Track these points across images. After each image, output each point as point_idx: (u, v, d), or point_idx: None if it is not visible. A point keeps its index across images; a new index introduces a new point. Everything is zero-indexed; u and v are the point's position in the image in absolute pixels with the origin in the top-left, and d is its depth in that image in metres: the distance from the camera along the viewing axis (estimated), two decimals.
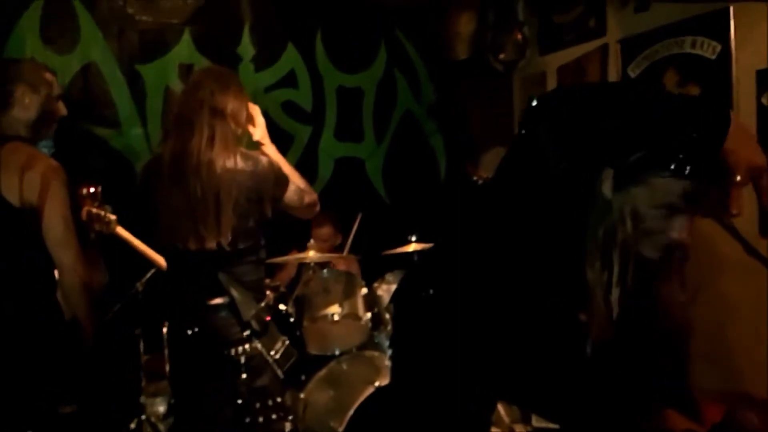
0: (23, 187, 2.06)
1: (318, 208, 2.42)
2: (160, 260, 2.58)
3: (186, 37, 3.97)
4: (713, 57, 3.36)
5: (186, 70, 3.95)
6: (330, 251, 3.84)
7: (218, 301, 2.25)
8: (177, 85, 3.92)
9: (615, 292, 1.30)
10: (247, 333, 2.25)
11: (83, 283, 2.14)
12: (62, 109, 2.31)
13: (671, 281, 1.35)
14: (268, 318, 2.29)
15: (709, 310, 3.60)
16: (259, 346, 2.26)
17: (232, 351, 2.25)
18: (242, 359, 2.25)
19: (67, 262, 2.10)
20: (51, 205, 2.08)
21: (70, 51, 3.70)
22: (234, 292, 2.22)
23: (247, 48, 4.17)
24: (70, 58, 3.69)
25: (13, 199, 2.06)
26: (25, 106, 2.18)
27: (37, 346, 2.10)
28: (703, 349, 3.12)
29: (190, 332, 2.26)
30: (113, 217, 2.58)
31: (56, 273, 2.17)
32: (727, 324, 3.51)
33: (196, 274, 2.25)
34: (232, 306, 2.24)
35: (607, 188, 1.28)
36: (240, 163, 2.24)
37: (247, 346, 2.26)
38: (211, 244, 2.18)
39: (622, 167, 1.25)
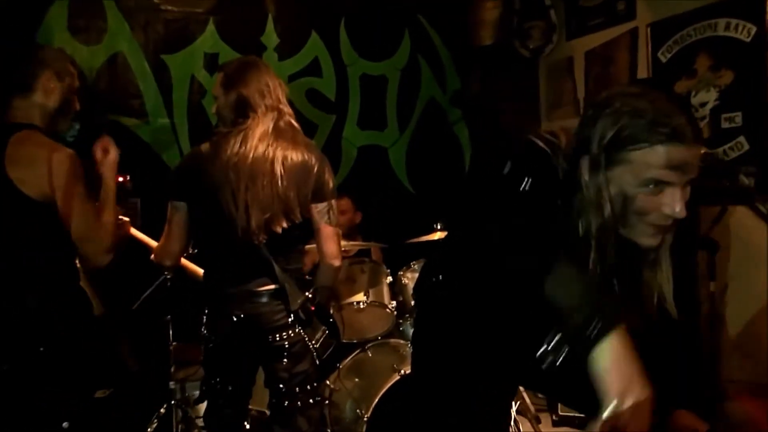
0: (42, 179, 1.99)
1: (339, 264, 2.42)
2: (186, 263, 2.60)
3: (210, 26, 3.99)
4: (748, 40, 3.28)
5: (210, 59, 3.97)
6: (348, 225, 3.86)
7: (263, 287, 2.26)
8: (202, 75, 3.95)
9: (595, 280, 1.27)
10: (290, 319, 2.27)
11: (103, 266, 2.10)
12: (77, 104, 2.25)
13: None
14: (313, 308, 2.30)
15: (742, 302, 3.57)
16: (300, 332, 2.29)
17: (277, 336, 2.27)
18: (285, 344, 2.28)
19: (90, 251, 2.07)
20: (74, 199, 2.03)
21: (97, 42, 3.74)
22: (285, 282, 2.25)
23: (271, 37, 4.17)
24: (97, 49, 3.73)
25: (30, 191, 2.00)
26: (49, 92, 2.12)
27: (65, 335, 2.08)
28: (735, 342, 3.09)
29: (235, 318, 2.28)
30: (127, 219, 2.59)
31: (77, 262, 2.16)
32: (761, 316, 3.48)
33: (244, 261, 2.26)
34: (276, 293, 2.26)
35: (585, 178, 1.26)
36: (309, 155, 2.29)
37: (290, 332, 2.28)
38: (283, 225, 2.22)
39: (596, 152, 1.23)
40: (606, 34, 4.12)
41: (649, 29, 3.80)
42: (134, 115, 3.83)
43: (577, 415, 3.41)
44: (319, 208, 2.31)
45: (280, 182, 2.21)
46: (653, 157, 1.21)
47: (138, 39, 3.83)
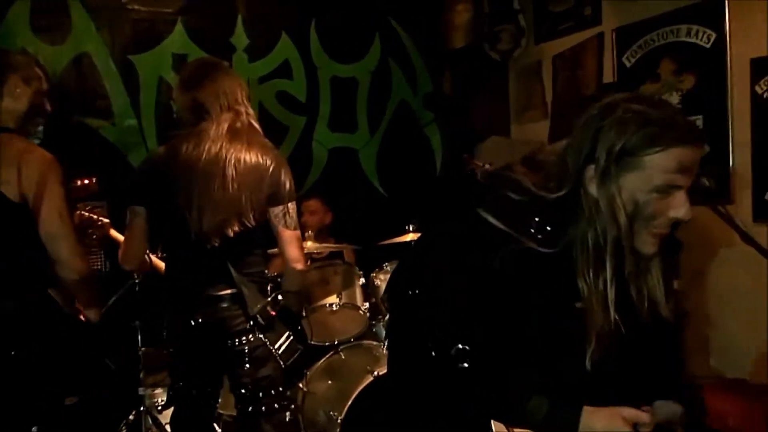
0: (21, 180, 2.02)
1: (303, 267, 2.39)
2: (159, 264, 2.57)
3: (179, 26, 3.95)
4: (708, 45, 3.37)
5: (179, 60, 3.93)
6: (318, 226, 3.86)
7: (223, 292, 2.24)
8: (170, 76, 3.91)
9: (611, 293, 1.28)
10: (250, 324, 2.25)
11: (81, 278, 2.12)
12: (48, 105, 2.28)
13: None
14: (274, 313, 2.28)
15: (706, 299, 3.64)
16: (262, 337, 2.26)
17: (236, 341, 2.25)
18: (246, 349, 2.25)
19: (63, 257, 2.08)
20: (47, 199, 2.05)
21: (62, 42, 3.67)
22: (243, 286, 2.22)
23: (240, 38, 4.15)
24: (61, 49, 3.66)
25: (10, 192, 2.02)
26: (16, 97, 2.15)
27: (36, 340, 2.07)
28: (699, 339, 3.16)
29: (193, 322, 2.25)
30: (107, 220, 2.56)
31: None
32: (723, 312, 3.56)
33: (203, 265, 2.24)
34: (236, 297, 2.24)
35: (593, 188, 1.26)
36: (264, 156, 2.25)
37: (251, 336, 2.26)
38: (236, 229, 2.19)
39: (605, 162, 1.23)
40: (573, 38, 4.19)
41: (614, 34, 3.88)
42: (101, 117, 3.77)
43: None
44: (275, 212, 2.28)
45: (231, 185, 2.17)
46: (667, 160, 1.22)
47: (104, 39, 3.78)
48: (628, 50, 3.78)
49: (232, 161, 2.19)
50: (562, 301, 1.33)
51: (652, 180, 1.23)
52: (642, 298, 1.34)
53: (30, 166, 2.04)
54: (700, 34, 3.41)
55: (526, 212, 1.29)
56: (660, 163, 1.22)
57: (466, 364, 1.27)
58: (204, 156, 2.19)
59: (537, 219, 1.28)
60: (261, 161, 2.24)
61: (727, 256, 3.24)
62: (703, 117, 3.42)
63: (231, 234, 2.19)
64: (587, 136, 1.27)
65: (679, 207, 1.25)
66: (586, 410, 1.26)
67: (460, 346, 1.27)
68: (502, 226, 1.29)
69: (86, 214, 2.59)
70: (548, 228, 1.28)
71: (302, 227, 3.71)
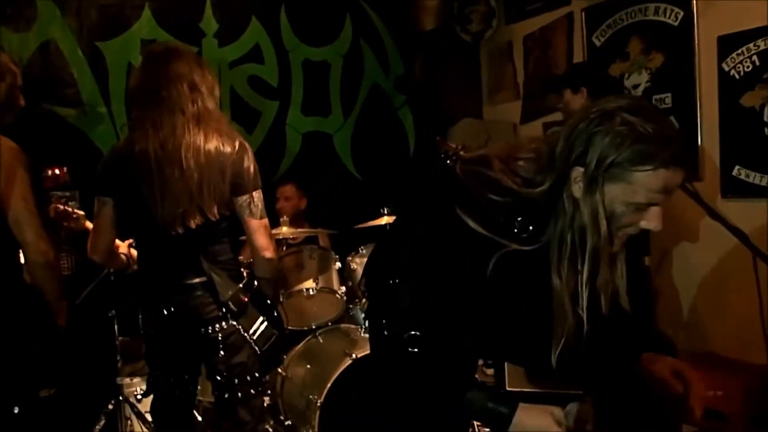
0: None
1: (272, 255, 2.34)
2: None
3: (147, 12, 3.89)
4: (676, 23, 3.41)
5: (147, 46, 3.87)
6: (293, 211, 3.84)
7: (194, 280, 2.23)
8: (139, 62, 3.84)
9: (584, 294, 1.32)
10: (223, 311, 2.25)
11: (47, 261, 2.11)
12: (22, 99, 2.25)
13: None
14: (246, 299, 2.28)
15: (675, 276, 3.72)
16: (235, 324, 2.26)
17: (209, 329, 2.25)
18: (219, 336, 2.25)
19: (29, 240, 2.07)
20: (12, 187, 2.05)
21: (27, 29, 3.60)
22: (213, 273, 2.21)
23: (210, 22, 4.10)
24: (27, 36, 3.60)
25: None
26: None
27: (9, 330, 2.06)
28: (670, 314, 3.23)
29: (166, 312, 2.25)
30: (81, 212, 2.54)
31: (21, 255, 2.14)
32: (692, 288, 3.65)
33: (174, 255, 2.23)
34: (208, 285, 2.23)
35: (577, 190, 1.28)
36: (225, 145, 2.19)
37: (223, 324, 2.25)
38: (197, 221, 2.16)
39: (594, 170, 1.25)
40: (543, 18, 4.21)
41: (583, 14, 3.90)
42: (69, 105, 3.71)
43: (524, 390, 3.50)
44: (239, 202, 2.23)
45: (190, 175, 2.13)
46: (655, 180, 1.23)
47: (71, 25, 3.71)
48: (597, 29, 3.81)
49: (191, 150, 2.14)
50: (535, 299, 1.36)
51: (635, 196, 1.25)
52: (606, 289, 1.37)
53: None
54: (668, 12, 3.45)
55: (509, 213, 1.31)
56: (647, 182, 1.23)
57: (416, 349, 1.31)
58: (161, 145, 2.15)
59: (519, 219, 1.30)
60: (222, 149, 2.18)
61: (696, 232, 3.30)
62: (671, 95, 3.47)
63: (192, 225, 2.16)
64: (581, 139, 1.27)
65: (651, 220, 1.28)
66: (521, 407, 1.31)
67: (413, 332, 1.31)
68: (483, 231, 1.31)
69: (61, 206, 2.56)
70: (530, 227, 1.30)
71: (278, 213, 3.73)
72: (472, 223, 1.31)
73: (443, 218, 1.36)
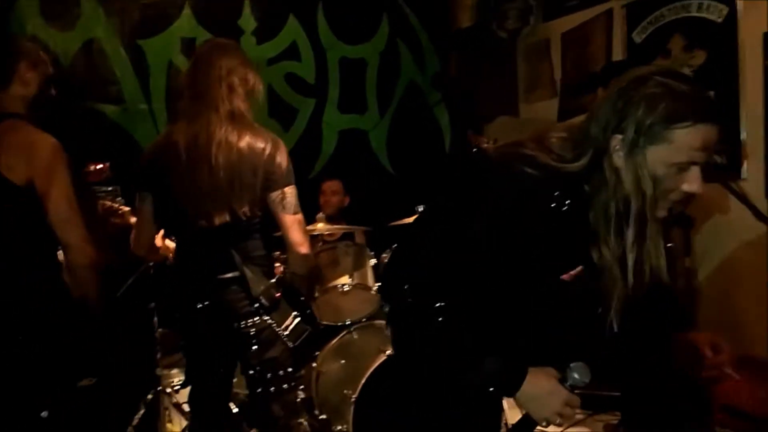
0: (27, 166, 2.04)
1: (306, 251, 2.34)
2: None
3: (187, 10, 3.96)
4: (720, 20, 3.33)
5: (188, 44, 3.94)
6: (338, 207, 3.89)
7: (228, 275, 2.26)
8: (179, 60, 3.92)
9: (630, 258, 1.32)
10: (256, 306, 2.27)
11: (91, 263, 2.13)
12: (54, 90, 2.29)
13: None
14: (278, 294, 2.30)
15: (716, 277, 3.65)
16: (268, 319, 2.28)
17: (242, 324, 2.28)
18: (252, 332, 2.28)
19: (73, 241, 2.09)
20: (55, 185, 2.07)
21: (72, 28, 3.69)
22: (245, 269, 2.23)
23: (248, 20, 4.15)
24: (71, 35, 3.68)
25: (16, 178, 2.04)
26: (26, 82, 2.17)
27: (47, 324, 2.11)
28: (709, 316, 3.17)
29: (200, 306, 2.28)
30: (127, 209, 2.59)
31: (60, 253, 2.17)
32: (735, 289, 3.57)
33: (208, 250, 2.26)
34: (241, 280, 2.26)
35: (618, 159, 1.29)
36: (257, 142, 2.22)
37: (257, 319, 2.28)
38: (223, 219, 2.19)
39: (634, 134, 1.26)
40: (582, 15, 4.15)
41: (624, 10, 3.84)
42: (112, 102, 3.80)
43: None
44: (272, 198, 2.24)
45: (219, 173, 2.15)
46: (694, 136, 1.24)
47: (113, 24, 3.79)
48: (638, 26, 3.74)
49: (222, 147, 2.16)
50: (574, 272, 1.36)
51: (677, 155, 1.26)
52: (641, 266, 1.36)
53: (36, 152, 2.06)
54: (712, 9, 3.37)
55: (546, 187, 1.31)
56: (687, 139, 1.24)
57: (441, 319, 1.32)
58: (194, 139, 2.18)
59: (557, 194, 1.30)
60: (254, 146, 2.20)
61: (739, 232, 3.23)
62: (714, 93, 3.39)
63: (217, 222, 2.18)
64: (616, 107, 1.29)
65: (693, 182, 1.28)
66: (530, 371, 1.33)
67: (438, 304, 1.33)
68: (519, 204, 1.31)
69: (108, 203, 2.62)
70: (567, 201, 1.31)
71: (321, 207, 3.76)
72: (507, 197, 1.32)
73: (476, 191, 1.37)
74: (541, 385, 1.33)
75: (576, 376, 1.34)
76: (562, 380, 1.35)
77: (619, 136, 1.27)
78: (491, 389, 1.33)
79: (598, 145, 1.30)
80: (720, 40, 3.32)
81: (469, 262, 1.34)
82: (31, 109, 2.19)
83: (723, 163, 3.23)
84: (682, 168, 1.27)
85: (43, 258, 2.13)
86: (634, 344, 1.50)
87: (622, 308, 1.36)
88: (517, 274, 1.37)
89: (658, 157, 1.26)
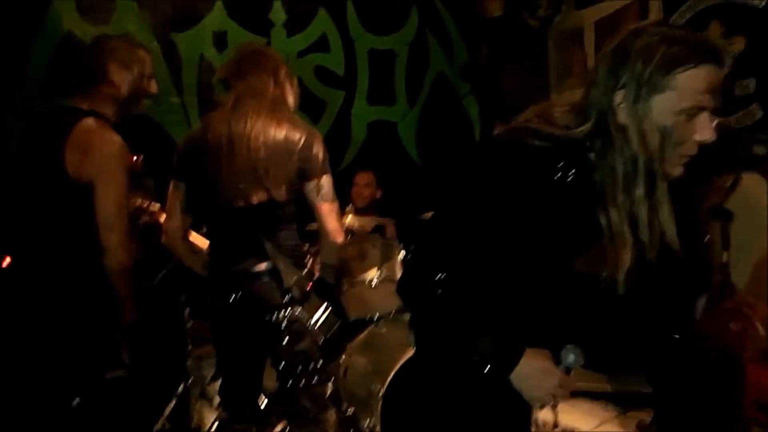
0: (87, 165, 2.08)
1: (342, 240, 2.38)
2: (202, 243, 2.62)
3: (218, 4, 3.97)
4: (761, 5, 3.22)
5: (219, 37, 3.96)
6: (370, 199, 3.90)
7: (260, 267, 2.28)
8: (211, 53, 3.94)
9: (642, 217, 1.29)
10: (288, 298, 2.28)
11: (122, 269, 2.14)
12: (154, 86, 2.33)
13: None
14: (309, 285, 2.30)
15: (756, 271, 3.57)
16: (299, 311, 2.29)
17: (274, 316, 2.29)
18: (283, 324, 2.29)
19: (111, 245, 2.11)
20: (110, 188, 2.10)
21: (106, 23, 3.73)
22: (277, 259, 2.25)
23: (278, 13, 4.15)
24: (105, 29, 3.71)
25: (75, 174, 2.08)
26: (116, 84, 2.20)
27: (83, 313, 2.15)
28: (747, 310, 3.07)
29: (232, 297, 2.30)
30: (157, 205, 2.62)
31: None
32: None
33: (239, 241, 2.28)
34: (273, 272, 2.27)
35: (623, 115, 1.26)
36: (295, 132, 2.26)
37: (287, 311, 2.29)
38: (260, 197, 2.21)
39: (637, 86, 1.23)
40: (616, 2, 4.05)
41: None
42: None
43: (589, 386, 3.43)
44: (309, 187, 2.28)
45: (258, 155, 2.19)
46: (697, 78, 1.22)
47: (146, 18, 3.83)
48: (675, 12, 3.65)
49: (262, 133, 2.21)
50: (582, 237, 1.35)
51: (683, 101, 1.23)
52: (655, 230, 1.34)
53: (99, 153, 2.09)
54: None
55: (552, 157, 1.29)
56: (690, 83, 1.22)
57: (439, 290, 1.32)
58: (232, 128, 2.22)
59: (562, 164, 1.28)
60: (291, 136, 2.25)
61: None
62: (755, 80, 3.29)
63: (254, 201, 2.21)
64: (614, 65, 1.27)
65: (704, 130, 1.26)
66: (527, 352, 1.32)
67: (439, 273, 1.32)
68: (528, 172, 1.29)
69: (138, 202, 2.65)
70: (573, 170, 1.29)
71: (353, 199, 3.76)
72: (513, 170, 1.30)
73: (486, 162, 1.36)
74: (536, 365, 1.33)
75: (571, 358, 1.34)
76: (557, 362, 1.34)
77: (621, 93, 1.25)
78: (487, 369, 1.32)
79: (601, 107, 1.28)
80: (760, 25, 3.22)
81: (477, 238, 1.33)
82: (121, 107, 2.23)
83: (765, 155, 3.13)
84: (691, 115, 1.24)
85: (86, 253, 2.14)
86: (654, 317, 1.47)
87: (636, 275, 1.33)
88: (524, 250, 1.35)
89: (663, 106, 1.24)
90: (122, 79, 2.20)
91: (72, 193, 2.10)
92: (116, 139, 2.14)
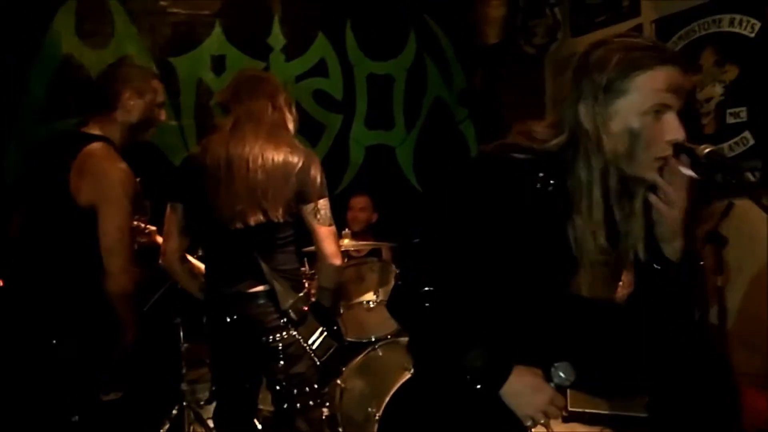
0: (93, 191, 2.10)
1: (340, 263, 2.39)
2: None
3: (217, 28, 4.02)
4: (753, 35, 3.28)
5: (217, 61, 4.01)
6: (365, 223, 3.90)
7: (257, 289, 2.28)
8: (209, 77, 3.98)
9: (597, 214, 1.31)
10: (284, 321, 2.28)
11: (124, 294, 2.16)
12: (163, 115, 2.37)
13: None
14: (306, 308, 2.30)
15: (749, 296, 3.58)
16: (295, 333, 2.29)
17: (270, 338, 2.28)
18: (279, 346, 2.29)
19: (113, 270, 2.12)
20: (114, 214, 2.12)
21: (105, 45, 3.78)
22: (274, 282, 2.25)
23: (277, 38, 4.20)
24: (104, 53, 3.76)
25: (81, 199, 2.11)
26: (129, 110, 2.23)
27: (82, 335, 2.15)
28: (742, 336, 3.10)
29: (229, 319, 2.30)
30: (153, 228, 2.63)
31: None
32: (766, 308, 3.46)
33: (236, 263, 2.28)
34: (270, 294, 2.27)
35: (589, 123, 1.29)
36: (293, 155, 2.28)
37: (284, 333, 2.28)
38: (257, 219, 2.21)
39: (600, 93, 1.27)
40: (611, 30, 4.11)
41: (653, 25, 3.80)
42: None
43: (587, 411, 3.42)
44: (308, 210, 2.30)
45: (256, 177, 2.20)
46: (655, 78, 1.25)
47: (145, 42, 3.87)
48: (668, 41, 3.70)
49: (260, 156, 2.23)
50: (554, 245, 1.36)
51: (645, 101, 1.26)
52: (628, 240, 1.37)
53: (105, 179, 2.11)
54: (744, 24, 3.32)
55: (531, 169, 1.33)
56: (649, 83, 1.25)
57: (428, 304, 1.34)
58: (231, 151, 2.24)
59: (541, 175, 1.32)
60: (289, 159, 2.27)
61: None
62: (747, 109, 3.33)
63: (252, 223, 2.22)
64: (576, 78, 1.32)
65: (672, 129, 1.27)
66: (516, 369, 1.33)
67: (428, 288, 1.35)
68: (508, 185, 1.33)
69: (135, 223, 2.66)
70: (552, 181, 1.33)
71: (348, 223, 3.77)
72: (496, 178, 1.34)
73: (470, 175, 1.41)
74: (526, 381, 1.33)
75: (561, 374, 1.34)
76: (547, 379, 1.34)
77: (584, 102, 1.29)
78: (477, 386, 1.33)
79: (569, 119, 1.32)
80: (752, 55, 3.27)
81: (465, 251, 1.36)
82: (131, 133, 2.26)
83: (756, 181, 3.17)
84: (657, 114, 1.27)
85: (88, 277, 2.15)
86: (648, 336, 1.47)
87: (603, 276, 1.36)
88: (510, 262, 1.37)
89: (627, 109, 1.27)
90: (134, 106, 2.23)
91: (75, 216, 2.12)
92: (122, 166, 2.16)
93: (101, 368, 2.18)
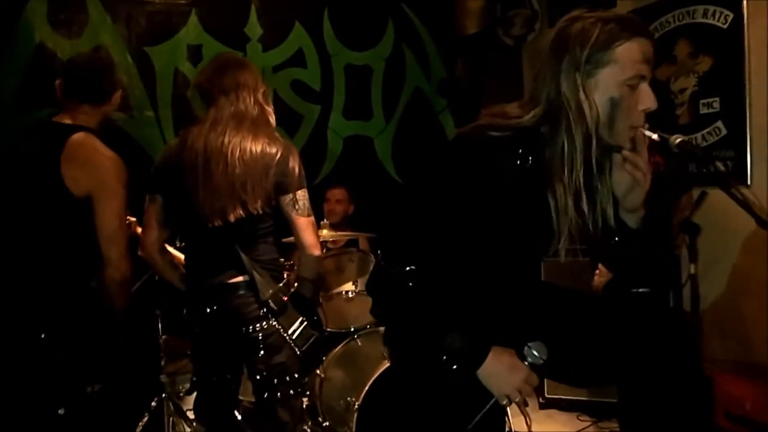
0: (88, 180, 2.12)
1: (319, 253, 2.39)
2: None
3: (193, 18, 3.98)
4: (725, 26, 3.32)
5: (194, 51, 3.97)
6: (342, 215, 3.91)
7: (237, 279, 2.28)
8: (186, 67, 3.94)
9: (579, 180, 1.36)
10: (264, 311, 2.28)
11: (124, 279, 2.20)
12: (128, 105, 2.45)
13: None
14: (286, 298, 2.31)
15: (720, 284, 3.65)
16: (276, 324, 2.29)
17: (250, 328, 2.29)
18: (260, 336, 2.29)
19: (114, 257, 2.16)
20: (111, 202, 2.15)
21: (79, 35, 3.72)
22: (254, 272, 2.25)
23: (254, 27, 4.17)
24: (78, 43, 3.71)
25: (76, 190, 2.13)
26: (115, 103, 2.34)
27: (69, 328, 2.17)
28: (715, 323, 3.17)
29: (209, 310, 2.30)
30: (133, 219, 2.63)
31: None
32: (740, 296, 3.58)
33: (216, 254, 2.28)
34: (250, 285, 2.27)
35: (570, 93, 1.35)
36: (271, 146, 2.27)
37: (264, 323, 2.29)
38: (237, 215, 2.21)
39: (582, 63, 1.33)
40: None
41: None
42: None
43: (563, 397, 3.47)
44: (286, 201, 2.30)
45: (233, 171, 2.20)
46: (634, 49, 1.34)
47: (120, 31, 3.82)
48: None
49: (238, 149, 2.22)
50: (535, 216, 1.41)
51: (624, 71, 1.34)
52: (596, 210, 1.45)
53: (99, 168, 2.14)
54: (717, 15, 3.36)
55: (510, 145, 1.38)
56: (628, 54, 1.34)
57: (411, 284, 1.37)
58: (209, 144, 2.23)
59: (520, 150, 1.37)
60: (268, 150, 2.26)
61: (744, 240, 3.22)
62: (720, 99, 3.38)
63: (232, 219, 2.21)
64: (556, 53, 1.39)
65: (646, 99, 1.37)
66: (492, 350, 1.37)
67: (409, 267, 1.38)
68: (489, 161, 1.37)
69: None
70: (530, 156, 1.38)
71: (325, 215, 3.77)
72: (476, 157, 1.38)
73: (449, 155, 1.46)
74: (503, 361, 1.38)
75: (535, 353, 1.39)
76: (521, 358, 1.40)
77: (565, 75, 1.35)
78: (454, 366, 1.36)
79: (549, 93, 1.38)
80: (726, 46, 3.32)
81: (444, 230, 1.39)
82: (103, 122, 2.31)
83: (728, 171, 3.23)
84: (633, 85, 1.35)
85: (82, 264, 2.20)
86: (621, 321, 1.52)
87: (579, 235, 1.41)
88: (490, 239, 1.41)
89: (608, 79, 1.34)
90: (118, 101, 2.34)
91: (71, 207, 2.13)
92: (112, 154, 2.19)
93: (87, 361, 2.19)
